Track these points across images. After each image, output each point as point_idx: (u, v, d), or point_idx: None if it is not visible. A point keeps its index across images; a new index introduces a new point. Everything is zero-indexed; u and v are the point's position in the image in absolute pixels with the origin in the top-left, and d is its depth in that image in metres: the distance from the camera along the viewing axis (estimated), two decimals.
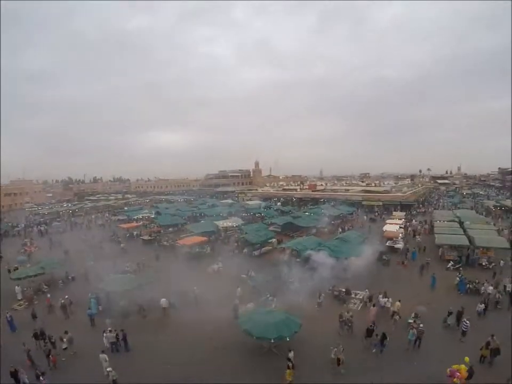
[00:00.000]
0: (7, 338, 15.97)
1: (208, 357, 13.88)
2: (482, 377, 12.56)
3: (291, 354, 13.08)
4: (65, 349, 14.83)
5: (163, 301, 18.95)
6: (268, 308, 17.23)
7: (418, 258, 27.36)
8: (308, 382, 12.68)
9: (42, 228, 48.03)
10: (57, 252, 31.96)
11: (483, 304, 17.78)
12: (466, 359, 12.37)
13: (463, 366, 12.08)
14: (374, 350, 14.43)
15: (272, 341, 13.44)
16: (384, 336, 14.31)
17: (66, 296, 20.05)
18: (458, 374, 11.92)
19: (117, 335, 15.30)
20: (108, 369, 12.67)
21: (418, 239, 33.70)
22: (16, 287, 21.44)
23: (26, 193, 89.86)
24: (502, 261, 24.60)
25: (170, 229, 42.60)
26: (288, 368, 12.41)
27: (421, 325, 15.26)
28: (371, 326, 15.00)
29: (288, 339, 13.58)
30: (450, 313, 16.26)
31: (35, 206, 74.65)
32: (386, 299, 18.54)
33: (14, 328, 17.15)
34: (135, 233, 41.18)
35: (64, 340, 14.99)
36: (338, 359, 13.20)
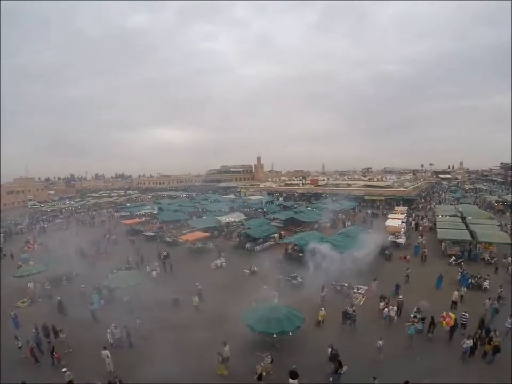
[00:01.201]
0: (11, 335, 16.00)
1: (210, 352, 13.92)
2: (483, 372, 12.61)
3: (226, 349, 13.19)
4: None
5: (153, 273, 22.11)
6: (271, 303, 17.22)
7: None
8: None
9: (45, 225, 48.23)
10: (60, 249, 32.00)
11: (471, 340, 13.34)
12: (453, 316, 14.77)
13: (453, 316, 14.71)
14: (331, 379, 12.57)
15: (275, 335, 13.46)
16: (340, 365, 12.34)
17: (81, 287, 20.21)
18: (448, 319, 14.52)
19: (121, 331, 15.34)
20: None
21: (423, 240, 30.61)
22: (29, 283, 21.42)
23: (28, 191, 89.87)
24: (510, 258, 23.76)
25: (172, 225, 42.67)
26: (219, 362, 12.66)
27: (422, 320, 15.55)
28: (334, 350, 13.03)
29: (290, 334, 13.58)
30: (422, 319, 15.49)
31: (37, 204, 74.87)
32: (391, 307, 16.82)
33: (17, 326, 17.18)
34: (137, 228, 41.25)
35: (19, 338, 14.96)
36: (261, 375, 12.02)
